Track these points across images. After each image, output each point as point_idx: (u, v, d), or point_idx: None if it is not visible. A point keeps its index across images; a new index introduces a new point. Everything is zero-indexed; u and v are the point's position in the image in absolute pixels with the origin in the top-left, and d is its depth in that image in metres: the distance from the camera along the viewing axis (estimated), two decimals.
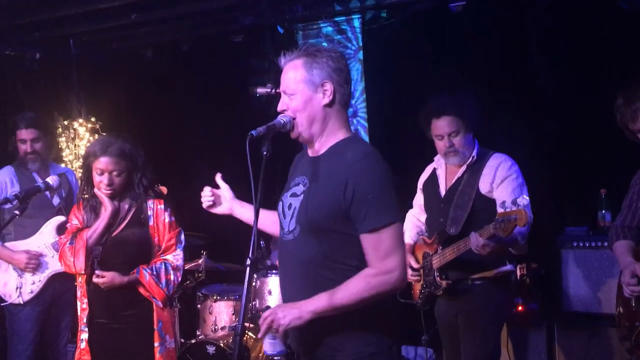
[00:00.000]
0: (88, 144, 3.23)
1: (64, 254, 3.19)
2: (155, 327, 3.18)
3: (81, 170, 3.29)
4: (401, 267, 2.02)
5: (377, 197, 2.00)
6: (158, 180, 4.41)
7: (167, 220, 3.28)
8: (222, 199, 2.63)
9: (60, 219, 3.83)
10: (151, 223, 3.24)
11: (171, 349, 3.26)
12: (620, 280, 2.91)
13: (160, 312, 3.21)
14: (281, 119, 2.18)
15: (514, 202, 3.07)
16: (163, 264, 3.22)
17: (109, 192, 3.19)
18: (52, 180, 3.06)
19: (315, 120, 2.14)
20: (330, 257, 2.06)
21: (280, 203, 2.25)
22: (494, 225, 3.01)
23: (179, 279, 3.29)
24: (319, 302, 2.01)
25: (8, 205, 3.39)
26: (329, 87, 2.11)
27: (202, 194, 2.66)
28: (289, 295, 2.17)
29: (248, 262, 1.96)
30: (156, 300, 3.19)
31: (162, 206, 3.29)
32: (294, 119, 2.16)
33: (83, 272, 3.16)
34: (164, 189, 4.27)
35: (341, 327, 2.05)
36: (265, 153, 2.07)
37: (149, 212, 3.25)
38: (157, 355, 3.17)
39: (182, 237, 3.35)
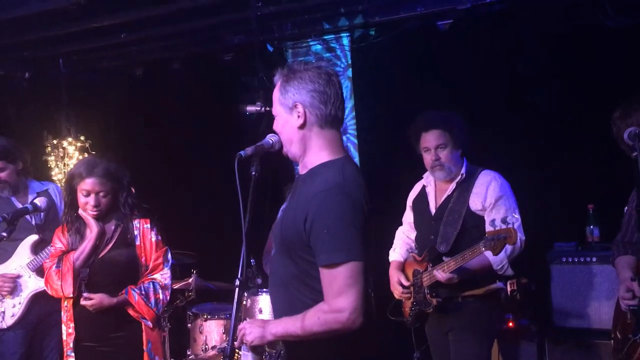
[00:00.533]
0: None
1: (50, 278, 3.15)
2: (145, 348, 3.16)
3: (65, 193, 3.25)
4: (353, 307, 1.94)
5: (332, 234, 1.94)
6: (147, 198, 4.42)
7: (153, 239, 3.27)
8: None
9: (32, 238, 3.76)
10: (138, 243, 3.23)
11: None
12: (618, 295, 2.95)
13: (150, 333, 3.19)
14: (269, 139, 2.20)
15: (504, 221, 3.10)
16: (151, 283, 3.20)
17: (95, 213, 3.17)
18: (40, 201, 3.04)
19: (292, 141, 2.13)
20: (301, 277, 2.05)
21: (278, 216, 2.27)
22: (483, 244, 3.03)
23: (168, 297, 3.28)
24: (279, 327, 2.05)
25: None
26: (300, 108, 2.08)
27: None
28: (274, 309, 2.19)
29: (237, 282, 1.96)
30: (146, 321, 3.17)
31: (149, 225, 3.29)
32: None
33: (71, 295, 3.12)
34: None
35: (318, 351, 2.04)
36: (253, 173, 2.08)
37: (135, 232, 3.24)
38: None
39: (169, 255, 3.35)
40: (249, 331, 2.06)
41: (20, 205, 3.62)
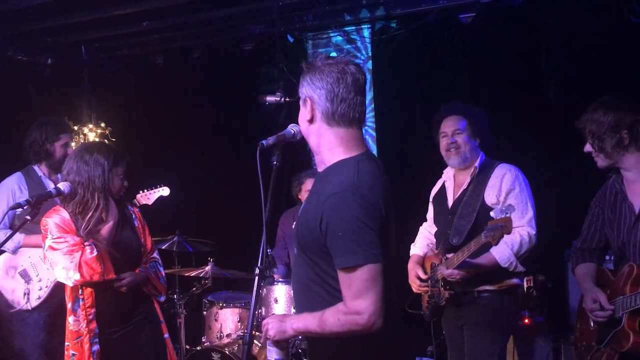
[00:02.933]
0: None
1: (88, 265, 3.01)
2: (161, 319, 3.32)
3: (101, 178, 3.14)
4: (372, 310, 1.93)
5: (347, 236, 1.92)
6: (166, 186, 4.46)
7: (144, 222, 3.40)
8: None
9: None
10: (136, 224, 3.33)
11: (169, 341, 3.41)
12: (582, 305, 2.93)
13: (159, 307, 3.35)
14: (291, 129, 2.20)
15: (502, 210, 3.07)
16: (154, 262, 3.35)
17: (123, 194, 3.27)
18: (63, 186, 3.06)
19: (307, 135, 2.14)
20: (321, 277, 2.05)
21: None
22: (484, 234, 3.02)
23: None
24: (299, 323, 2.06)
25: (19, 210, 3.40)
26: (308, 102, 2.08)
27: None
28: (296, 306, 2.21)
29: (257, 271, 1.97)
30: (159, 296, 3.32)
31: (139, 210, 3.43)
32: None
33: (114, 277, 3.10)
34: (167, 189, 4.33)
35: (338, 348, 2.05)
36: (275, 163, 2.08)
37: (132, 214, 3.34)
38: (170, 345, 3.32)
39: None
40: (271, 326, 2.08)
41: (51, 186, 3.62)
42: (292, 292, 4.24)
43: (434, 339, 3.57)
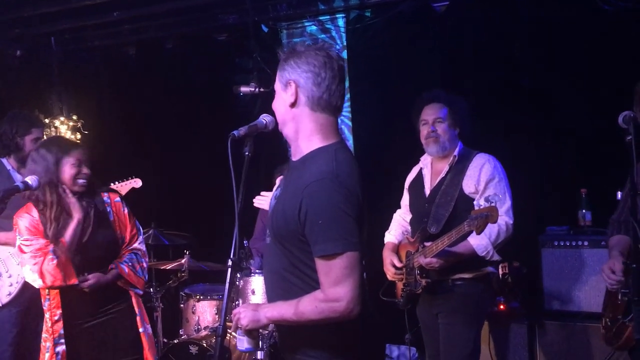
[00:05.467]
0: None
1: (48, 272, 3.03)
2: (137, 312, 3.26)
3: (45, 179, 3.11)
4: (350, 297, 1.95)
5: (327, 224, 1.93)
6: (139, 178, 4.41)
7: (126, 212, 3.33)
8: None
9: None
10: (112, 218, 3.26)
11: (151, 334, 3.34)
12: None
13: (138, 299, 3.29)
14: (263, 119, 2.19)
15: (487, 199, 3.10)
16: (133, 254, 3.30)
17: (85, 184, 3.15)
18: (31, 180, 3.01)
19: (285, 120, 2.11)
20: (297, 266, 2.04)
21: (270, 202, 2.25)
22: (467, 223, 3.04)
23: (147, 263, 3.40)
24: (275, 311, 2.05)
25: None
26: (292, 86, 2.05)
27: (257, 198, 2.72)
28: (268, 296, 2.19)
29: (229, 263, 1.95)
30: (136, 289, 3.27)
31: (119, 199, 3.34)
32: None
33: (76, 282, 3.07)
34: (138, 181, 4.27)
35: (314, 337, 2.05)
36: (247, 154, 2.07)
37: (107, 208, 3.26)
38: (144, 339, 3.25)
39: (138, 224, 3.44)
40: (244, 315, 2.07)
41: (20, 180, 3.58)
42: None
43: (409, 327, 3.58)
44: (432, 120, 3.39)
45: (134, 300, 3.28)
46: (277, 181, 4.47)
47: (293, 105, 2.07)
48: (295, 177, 2.06)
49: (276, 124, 2.17)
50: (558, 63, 4.41)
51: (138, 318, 3.27)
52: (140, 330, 3.26)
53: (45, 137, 5.26)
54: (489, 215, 2.98)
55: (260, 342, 2.13)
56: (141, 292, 3.31)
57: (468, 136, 3.48)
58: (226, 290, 1.93)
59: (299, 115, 2.08)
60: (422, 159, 3.58)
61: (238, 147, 2.09)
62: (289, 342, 2.12)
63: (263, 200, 2.74)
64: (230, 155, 1.99)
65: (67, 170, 3.11)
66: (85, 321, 3.16)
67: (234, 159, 2.03)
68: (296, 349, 2.09)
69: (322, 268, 1.96)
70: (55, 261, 3.03)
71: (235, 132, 2.06)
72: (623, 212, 2.98)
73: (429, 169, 3.51)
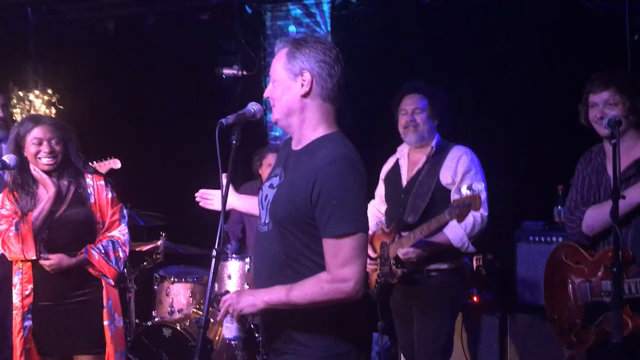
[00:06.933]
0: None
1: (8, 242, 3.06)
2: (105, 304, 3.15)
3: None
4: (357, 277, 1.99)
5: (341, 204, 1.96)
6: (115, 157, 4.32)
7: (109, 196, 3.22)
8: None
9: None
10: (92, 200, 3.17)
11: (120, 327, 3.24)
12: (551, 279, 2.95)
13: (110, 290, 3.18)
14: (251, 107, 2.16)
15: (469, 188, 3.12)
16: (110, 241, 3.17)
17: (51, 162, 3.08)
18: (8, 159, 2.95)
19: (291, 110, 2.10)
20: (300, 252, 2.05)
21: (260, 192, 2.22)
22: (448, 212, 3.06)
23: (127, 254, 3.26)
24: (273, 294, 2.03)
25: None
26: (307, 76, 2.06)
27: (201, 195, 2.60)
28: (261, 283, 2.15)
29: (214, 253, 1.93)
30: (107, 279, 3.16)
31: (102, 182, 3.24)
32: (273, 106, 2.14)
33: (34, 257, 3.05)
34: (117, 161, 4.19)
35: (308, 324, 2.05)
36: (234, 142, 2.06)
37: (89, 190, 3.18)
38: (108, 334, 3.13)
39: (125, 211, 3.33)
40: (238, 300, 2.04)
41: None
42: (245, 267, 4.25)
43: (381, 316, 3.60)
44: (411, 110, 3.39)
45: (104, 291, 3.16)
46: (264, 167, 4.50)
47: (306, 95, 2.08)
48: (302, 164, 2.07)
49: (264, 112, 2.16)
50: (541, 58, 4.44)
51: (105, 310, 3.14)
52: (105, 323, 3.14)
53: (18, 109, 5.17)
54: (472, 203, 2.99)
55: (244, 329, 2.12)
56: (112, 283, 3.17)
57: (447, 129, 3.48)
58: (210, 281, 1.91)
59: (309, 105, 2.09)
60: (399, 149, 3.59)
61: (225, 135, 2.06)
62: (282, 332, 2.09)
63: (210, 199, 2.60)
64: (218, 144, 1.96)
65: (28, 149, 3.07)
66: (53, 304, 3.11)
67: (219, 147, 2.00)
68: (291, 338, 2.07)
69: (330, 249, 1.98)
70: (13, 232, 3.03)
71: (223, 121, 2.04)
72: (584, 194, 2.88)
73: (406, 159, 3.51)
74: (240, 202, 2.56)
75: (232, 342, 3.82)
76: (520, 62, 4.50)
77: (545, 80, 4.40)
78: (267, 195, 2.15)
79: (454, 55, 4.63)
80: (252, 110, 2.15)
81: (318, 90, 2.07)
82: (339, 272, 1.97)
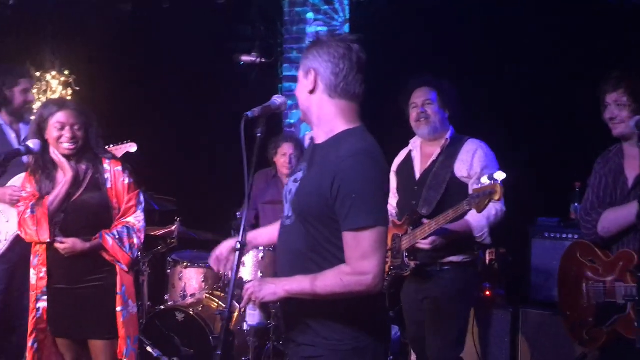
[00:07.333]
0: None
1: (24, 223, 3.10)
2: (118, 290, 3.15)
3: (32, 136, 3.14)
4: (377, 271, 2.01)
5: (361, 198, 1.99)
6: (131, 141, 4.33)
7: (126, 182, 3.21)
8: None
9: (22, 176, 3.66)
10: (109, 186, 3.17)
11: (134, 313, 3.24)
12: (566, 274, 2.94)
13: (124, 276, 3.18)
14: (276, 99, 2.21)
15: (491, 177, 3.08)
16: (125, 227, 3.17)
17: (72, 147, 3.09)
18: (33, 144, 2.98)
19: (306, 107, 2.17)
20: (322, 245, 2.07)
21: (286, 186, 2.26)
22: (467, 202, 3.04)
23: (142, 240, 3.25)
24: (294, 284, 2.06)
25: None
26: (312, 74, 2.12)
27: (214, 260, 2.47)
28: (284, 275, 2.18)
29: (238, 246, 1.95)
30: (121, 265, 3.16)
31: (120, 168, 3.23)
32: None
33: (48, 240, 3.08)
34: (134, 145, 4.19)
35: (328, 317, 2.07)
36: (259, 135, 2.08)
37: (106, 175, 3.18)
38: (120, 320, 3.13)
39: (142, 198, 3.30)
40: (260, 288, 2.07)
41: (12, 135, 3.54)
42: (259, 255, 4.27)
43: (391, 305, 3.59)
44: (421, 102, 3.38)
45: (118, 276, 3.16)
46: (279, 156, 4.49)
47: (312, 92, 2.13)
48: (324, 158, 2.11)
49: (288, 106, 2.17)
50: (556, 53, 4.40)
51: (118, 296, 3.14)
52: (118, 309, 3.13)
53: (35, 89, 5.17)
54: (493, 192, 2.96)
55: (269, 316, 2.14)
56: (125, 269, 3.17)
57: (459, 120, 3.46)
58: (233, 274, 1.92)
59: (318, 101, 2.13)
60: (411, 141, 3.57)
61: (249, 126, 2.07)
62: (302, 323, 2.12)
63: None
64: (243, 137, 1.98)
65: (50, 132, 3.08)
66: (67, 287, 3.13)
67: (244, 140, 2.01)
68: (311, 330, 2.10)
69: (350, 242, 2.00)
70: (29, 214, 3.08)
71: (249, 113, 2.07)
72: (600, 196, 2.87)
73: (419, 151, 3.50)
74: (257, 242, 2.56)
75: (255, 329, 3.84)
76: (536, 55, 4.45)
77: (563, 75, 4.37)
78: (291, 189, 2.18)
79: (472, 45, 4.58)
80: (277, 103, 2.19)
81: (322, 87, 2.12)
82: (358, 265, 2.00)
